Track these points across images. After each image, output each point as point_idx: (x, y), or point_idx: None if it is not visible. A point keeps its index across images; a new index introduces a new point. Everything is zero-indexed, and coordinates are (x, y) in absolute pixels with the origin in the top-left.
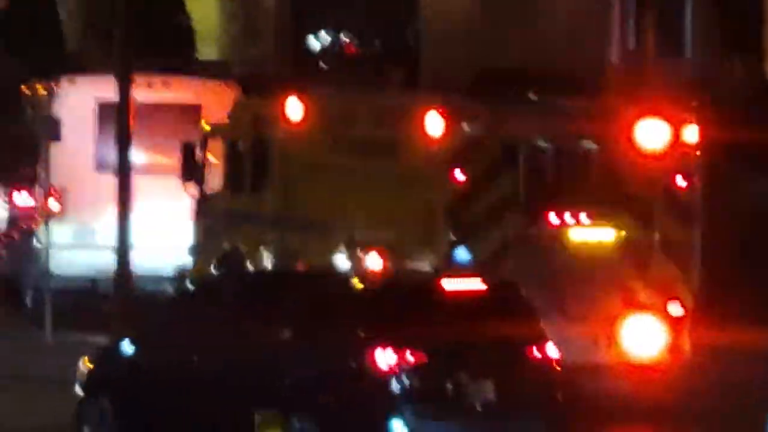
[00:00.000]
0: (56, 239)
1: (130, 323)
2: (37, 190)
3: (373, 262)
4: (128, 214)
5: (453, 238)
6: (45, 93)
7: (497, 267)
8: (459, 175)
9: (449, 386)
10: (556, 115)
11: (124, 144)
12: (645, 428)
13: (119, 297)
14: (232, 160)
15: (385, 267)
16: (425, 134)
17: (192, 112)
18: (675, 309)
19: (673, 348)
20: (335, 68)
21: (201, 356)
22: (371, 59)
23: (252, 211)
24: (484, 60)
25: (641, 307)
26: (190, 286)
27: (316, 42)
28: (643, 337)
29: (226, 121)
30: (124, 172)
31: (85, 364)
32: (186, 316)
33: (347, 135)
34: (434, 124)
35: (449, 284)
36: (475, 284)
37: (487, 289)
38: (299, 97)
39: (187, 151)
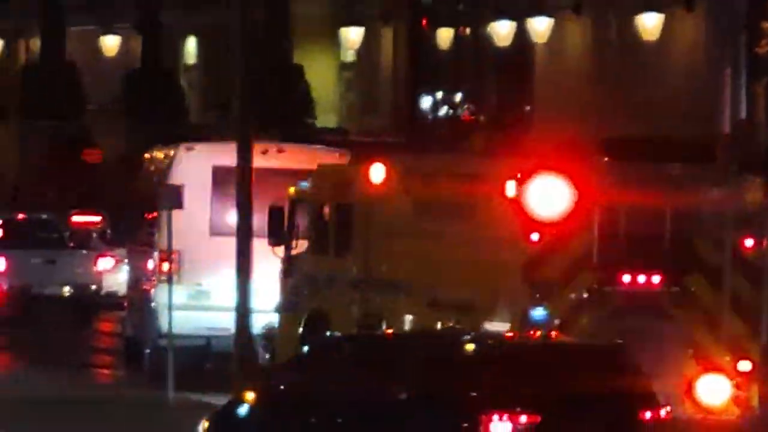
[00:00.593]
0: (173, 300)
1: (250, 385)
2: (155, 253)
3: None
4: (248, 276)
5: (530, 297)
6: (164, 159)
7: (573, 326)
8: (535, 236)
9: None
10: (629, 176)
11: (244, 209)
12: None
13: (240, 358)
14: (316, 223)
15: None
16: (503, 198)
17: (304, 177)
18: (745, 366)
19: (743, 403)
20: (451, 136)
21: (319, 418)
22: (485, 126)
23: (335, 273)
24: (595, 126)
25: (714, 366)
26: (306, 348)
27: (432, 110)
28: (716, 394)
29: (311, 185)
30: (243, 236)
31: (203, 425)
32: (306, 377)
33: (427, 199)
34: (511, 188)
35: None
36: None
37: (599, 352)
38: (383, 163)
39: (274, 214)
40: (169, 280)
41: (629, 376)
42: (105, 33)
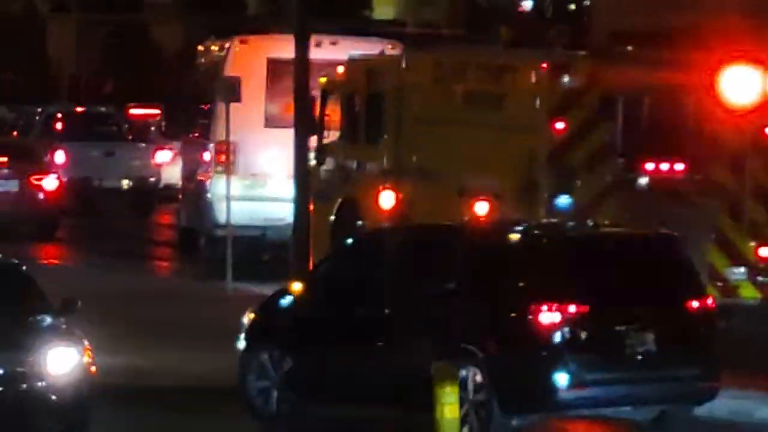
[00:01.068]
0: (230, 191)
1: (295, 276)
2: (211, 144)
3: (482, 209)
4: (305, 168)
5: (555, 184)
6: (219, 52)
7: (597, 212)
8: (560, 125)
9: (611, 337)
10: (652, 67)
11: (301, 101)
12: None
13: (297, 247)
14: (348, 112)
15: (492, 214)
16: (529, 87)
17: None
18: (765, 252)
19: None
20: (509, 28)
21: (366, 308)
22: (543, 19)
23: (367, 161)
24: (655, 18)
25: (734, 254)
26: (350, 239)
27: (489, 1)
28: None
29: (343, 75)
30: (301, 128)
31: (248, 316)
32: (350, 269)
33: (457, 89)
34: (537, 77)
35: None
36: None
37: (647, 241)
38: (413, 53)
39: (311, 102)
40: (228, 171)
41: (677, 265)
42: None
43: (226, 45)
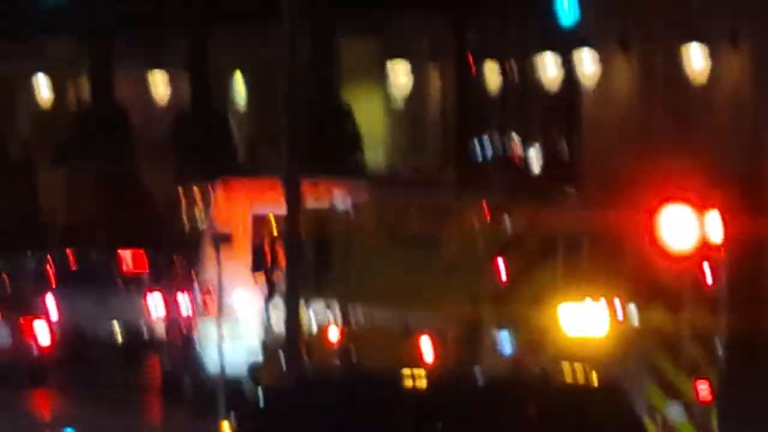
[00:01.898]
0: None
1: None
2: (196, 292)
3: (426, 346)
4: (296, 312)
5: (497, 323)
6: (200, 195)
7: (538, 351)
8: (501, 266)
9: None
10: (590, 208)
11: (291, 252)
12: None
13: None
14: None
15: (435, 352)
16: (471, 228)
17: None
18: (703, 389)
19: (702, 427)
20: (500, 176)
21: None
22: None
23: (315, 301)
24: (641, 167)
25: (671, 391)
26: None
27: (481, 151)
28: (673, 417)
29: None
30: (292, 261)
31: None
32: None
33: (401, 229)
34: (479, 221)
35: None
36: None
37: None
38: (357, 197)
39: (258, 247)
40: (219, 317)
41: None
42: (153, 71)
43: (209, 188)
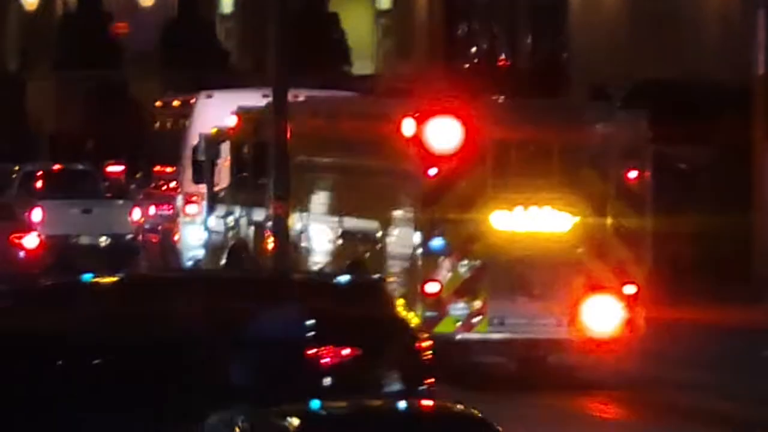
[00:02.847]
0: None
1: None
2: (179, 196)
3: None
4: (285, 217)
5: (429, 228)
6: (182, 108)
7: (469, 252)
8: (433, 170)
9: None
10: (520, 114)
11: (281, 157)
12: (605, 396)
13: None
14: (237, 161)
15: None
16: (402, 135)
17: None
18: (630, 289)
19: (629, 323)
20: (486, 81)
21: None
22: (521, 71)
23: (256, 208)
24: (630, 71)
25: (600, 288)
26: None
27: (467, 56)
28: (602, 314)
29: (233, 126)
30: (280, 180)
31: None
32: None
33: (335, 136)
34: (409, 126)
35: None
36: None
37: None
38: (294, 106)
39: (195, 154)
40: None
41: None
42: None
43: (192, 100)
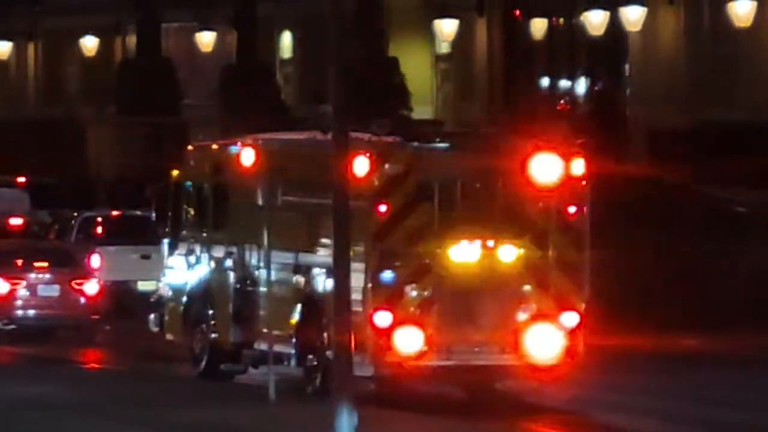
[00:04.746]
0: None
1: None
2: None
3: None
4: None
5: (380, 262)
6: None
7: (418, 285)
8: (382, 208)
9: None
10: (464, 154)
11: (341, 204)
12: (548, 418)
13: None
14: (197, 202)
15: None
16: (354, 175)
17: None
18: (570, 318)
19: (569, 351)
20: (547, 125)
21: None
22: (580, 115)
23: (215, 245)
24: (689, 110)
25: (541, 317)
26: None
27: (527, 101)
28: (543, 342)
29: (190, 166)
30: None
31: None
32: None
33: (291, 177)
34: (361, 166)
35: None
36: None
37: None
38: (252, 146)
39: (158, 194)
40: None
41: None
42: (201, 28)
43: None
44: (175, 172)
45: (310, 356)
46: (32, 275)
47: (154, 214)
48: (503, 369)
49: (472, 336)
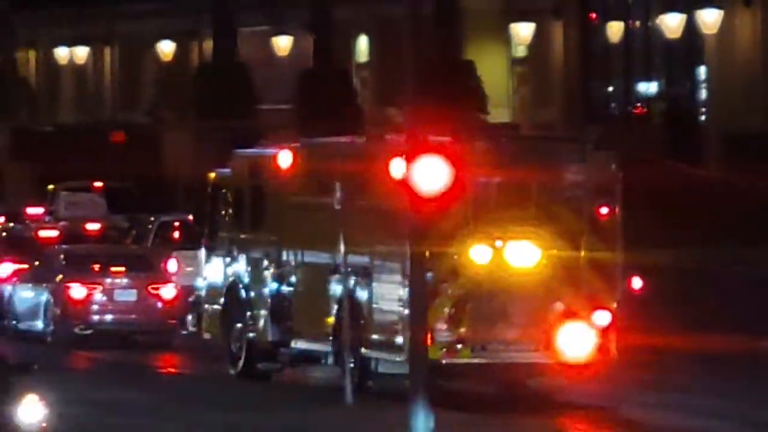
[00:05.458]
0: None
1: None
2: None
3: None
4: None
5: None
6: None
7: (454, 283)
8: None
9: None
10: (500, 154)
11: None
12: (579, 415)
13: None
14: (235, 203)
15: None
16: (390, 175)
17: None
18: (602, 317)
19: (601, 349)
20: (624, 128)
21: None
22: (655, 117)
23: (252, 246)
24: (765, 114)
25: (573, 315)
26: None
27: (604, 103)
28: (576, 340)
29: (228, 170)
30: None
31: None
32: None
33: (328, 178)
34: (397, 167)
35: None
36: None
37: None
38: (290, 149)
39: (197, 197)
40: None
41: None
42: (277, 33)
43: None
44: (213, 176)
45: (347, 355)
46: (109, 280)
47: (193, 217)
48: (536, 366)
49: (506, 334)
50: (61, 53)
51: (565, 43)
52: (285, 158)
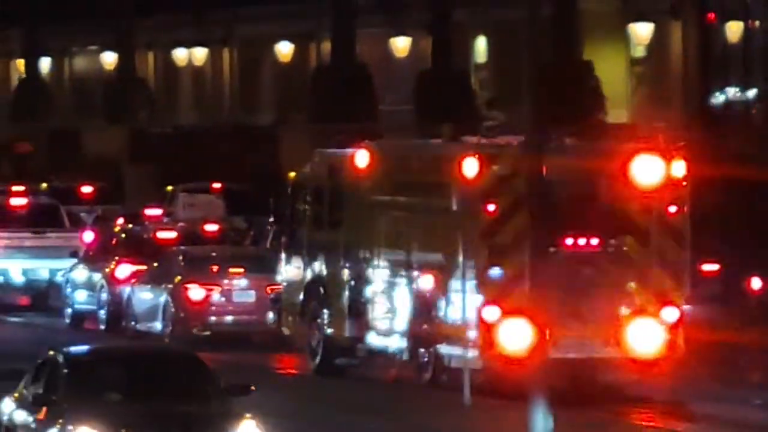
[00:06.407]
0: None
1: None
2: None
3: (428, 282)
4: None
5: (488, 259)
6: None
7: (523, 283)
8: (491, 207)
9: None
10: (569, 154)
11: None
12: (650, 409)
13: None
14: (314, 203)
15: (437, 286)
16: (463, 176)
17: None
18: (671, 313)
19: (670, 345)
20: (744, 129)
21: None
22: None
23: (330, 244)
24: None
25: (643, 312)
26: None
27: (724, 105)
28: (645, 336)
29: (308, 170)
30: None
31: None
32: None
33: (404, 179)
34: (470, 167)
35: None
36: None
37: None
38: (366, 149)
39: (276, 197)
40: None
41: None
42: (396, 34)
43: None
44: (293, 175)
45: (422, 350)
46: (228, 281)
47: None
48: (606, 362)
49: (577, 330)
50: (180, 55)
51: (683, 43)
52: (362, 158)
